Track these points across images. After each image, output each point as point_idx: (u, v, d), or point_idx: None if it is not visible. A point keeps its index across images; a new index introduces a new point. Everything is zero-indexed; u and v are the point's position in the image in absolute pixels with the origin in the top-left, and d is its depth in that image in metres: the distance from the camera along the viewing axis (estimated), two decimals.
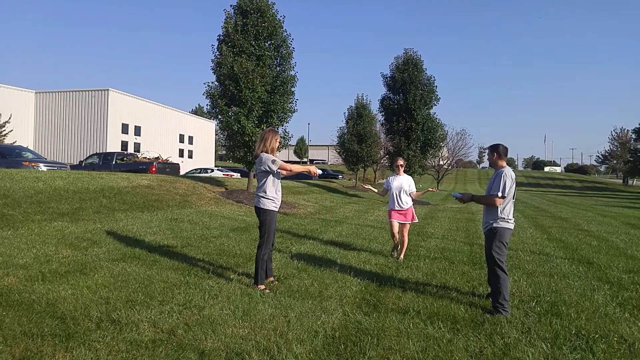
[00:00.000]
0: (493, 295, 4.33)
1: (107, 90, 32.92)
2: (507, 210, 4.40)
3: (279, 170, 4.87)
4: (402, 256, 6.69)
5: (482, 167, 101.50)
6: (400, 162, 6.98)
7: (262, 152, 4.88)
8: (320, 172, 5.51)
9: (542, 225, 12.35)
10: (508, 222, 4.40)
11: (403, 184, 6.80)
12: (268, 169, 4.80)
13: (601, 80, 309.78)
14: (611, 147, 64.91)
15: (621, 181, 68.27)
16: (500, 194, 4.31)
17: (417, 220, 6.98)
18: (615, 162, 66.84)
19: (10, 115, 28.71)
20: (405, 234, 6.79)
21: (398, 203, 6.77)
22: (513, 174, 4.44)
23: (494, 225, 4.39)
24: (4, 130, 27.77)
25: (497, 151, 4.55)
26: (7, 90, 31.76)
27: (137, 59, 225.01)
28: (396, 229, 6.79)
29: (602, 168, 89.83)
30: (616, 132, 63.97)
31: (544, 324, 3.96)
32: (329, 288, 4.89)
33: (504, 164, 4.54)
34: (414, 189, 6.88)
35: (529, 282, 5.50)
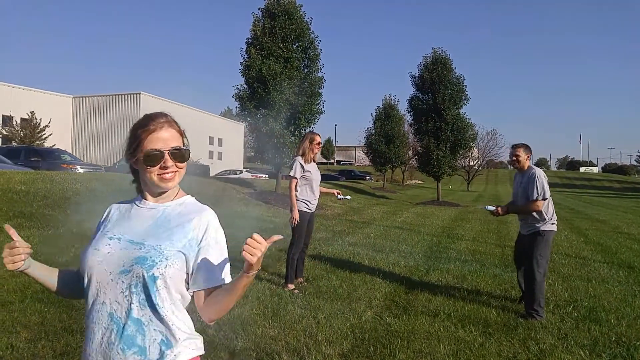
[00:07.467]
0: (527, 301, 4.18)
1: (139, 93, 33.85)
2: (551, 211, 4.22)
3: (303, 176, 4.94)
4: None
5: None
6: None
7: (296, 154, 5.08)
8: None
9: (578, 228, 11.93)
10: (554, 223, 4.24)
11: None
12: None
13: None
14: None
15: None
16: (541, 197, 4.11)
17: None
18: None
19: (50, 119, 29.89)
20: None
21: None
22: (543, 172, 4.28)
23: (541, 228, 4.17)
24: (44, 134, 28.91)
25: (529, 151, 4.36)
26: (48, 95, 33.17)
27: (168, 63, 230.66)
28: None
29: None
30: None
31: (582, 330, 3.83)
32: (358, 290, 4.88)
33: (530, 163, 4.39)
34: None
35: (565, 286, 5.32)
